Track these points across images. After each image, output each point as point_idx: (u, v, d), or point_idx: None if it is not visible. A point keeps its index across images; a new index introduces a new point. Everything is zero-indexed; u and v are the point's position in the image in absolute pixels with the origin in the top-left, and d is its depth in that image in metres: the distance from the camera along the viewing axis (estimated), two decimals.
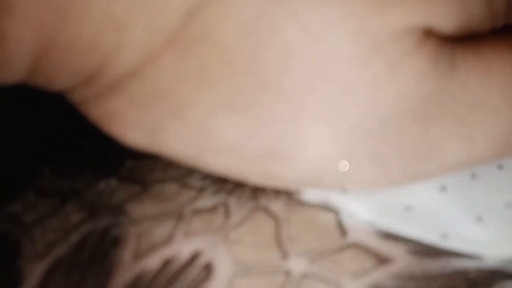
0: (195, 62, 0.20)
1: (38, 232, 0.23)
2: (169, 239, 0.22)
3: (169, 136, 0.21)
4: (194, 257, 0.22)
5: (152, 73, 0.20)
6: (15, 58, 0.19)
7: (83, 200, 0.23)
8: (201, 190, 0.23)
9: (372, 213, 0.22)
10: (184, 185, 0.23)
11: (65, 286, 0.22)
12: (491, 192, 0.23)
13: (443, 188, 0.23)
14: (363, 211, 0.22)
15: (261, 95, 0.20)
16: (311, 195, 0.23)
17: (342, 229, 0.22)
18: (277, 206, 0.23)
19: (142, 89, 0.20)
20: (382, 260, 0.22)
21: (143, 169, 0.24)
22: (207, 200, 0.23)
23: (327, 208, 0.23)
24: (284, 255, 0.22)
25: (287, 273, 0.22)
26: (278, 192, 0.23)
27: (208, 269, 0.22)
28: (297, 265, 0.22)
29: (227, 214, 0.23)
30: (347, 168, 0.21)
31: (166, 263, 0.22)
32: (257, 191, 0.23)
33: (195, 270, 0.22)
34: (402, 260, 0.22)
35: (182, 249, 0.22)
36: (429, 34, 0.20)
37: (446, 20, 0.20)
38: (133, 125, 0.21)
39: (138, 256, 0.22)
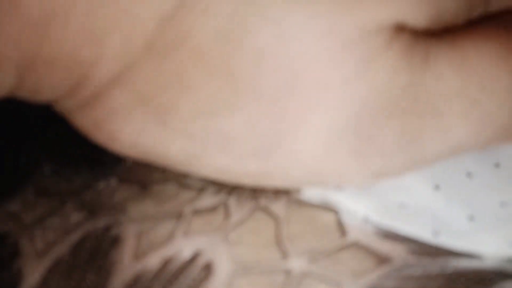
0: (173, 67, 0.20)
1: (38, 232, 0.23)
2: (169, 239, 0.22)
3: (154, 142, 0.21)
4: (194, 257, 0.22)
5: (132, 80, 0.20)
6: None
7: (83, 200, 0.23)
8: (201, 190, 0.23)
9: (366, 210, 0.22)
10: (184, 185, 0.23)
11: (65, 286, 0.22)
12: (487, 191, 0.23)
13: (437, 187, 0.23)
14: (358, 208, 0.22)
15: (238, 97, 0.20)
16: (310, 194, 0.23)
17: (342, 229, 0.22)
18: (277, 206, 0.23)
19: (124, 97, 0.21)
20: (382, 259, 0.22)
21: (143, 169, 0.24)
22: (207, 200, 0.23)
23: (326, 208, 0.23)
24: (284, 255, 0.22)
25: (287, 273, 0.22)
26: (278, 192, 0.23)
27: (208, 269, 0.22)
28: (297, 264, 0.22)
29: (227, 214, 0.23)
30: (330, 167, 0.21)
31: (166, 263, 0.22)
32: (256, 191, 0.23)
33: (195, 270, 0.22)
34: (401, 260, 0.22)
35: (182, 249, 0.22)
36: (401, 30, 0.20)
37: (417, 15, 0.20)
38: (118, 133, 0.21)
39: (138, 256, 0.22)
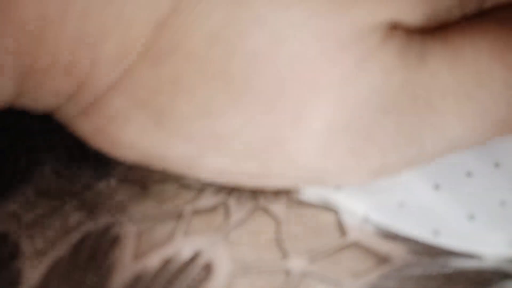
0: (169, 71, 0.20)
1: (38, 231, 0.23)
2: (169, 239, 0.22)
3: (154, 145, 0.21)
4: (194, 257, 0.22)
5: (130, 85, 0.21)
6: None
7: (83, 200, 0.23)
8: (201, 190, 0.23)
9: (366, 210, 0.22)
10: (184, 185, 0.23)
11: (65, 286, 0.22)
12: (487, 190, 0.23)
13: (436, 186, 0.23)
14: (358, 208, 0.22)
15: (235, 99, 0.20)
16: (310, 194, 0.23)
17: (341, 229, 0.22)
18: (276, 206, 0.23)
19: (123, 102, 0.21)
20: (381, 259, 0.22)
21: (143, 169, 0.24)
22: (207, 200, 0.23)
23: (326, 208, 0.23)
24: (284, 255, 0.22)
25: (287, 272, 0.22)
26: (278, 192, 0.23)
27: (208, 269, 0.22)
28: (296, 264, 0.22)
29: (227, 214, 0.23)
30: (329, 166, 0.21)
31: (166, 263, 0.22)
32: (256, 191, 0.23)
33: (195, 270, 0.22)
34: (401, 260, 0.22)
35: (182, 249, 0.22)
36: (395, 29, 0.21)
37: (411, 14, 0.21)
38: (119, 137, 0.21)
39: (138, 256, 0.22)
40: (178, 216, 0.23)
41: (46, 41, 0.19)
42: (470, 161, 0.23)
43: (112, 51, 0.20)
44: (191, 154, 0.21)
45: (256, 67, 0.20)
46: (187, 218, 0.23)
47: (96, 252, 0.22)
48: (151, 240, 0.22)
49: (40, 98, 0.21)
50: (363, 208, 0.22)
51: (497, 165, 0.23)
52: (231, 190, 0.23)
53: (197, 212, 0.23)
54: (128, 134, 0.21)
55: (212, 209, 0.23)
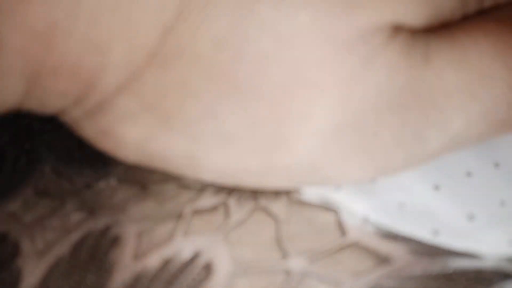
0: (175, 76, 0.20)
1: (38, 231, 0.23)
2: (169, 239, 0.22)
3: (160, 147, 0.21)
4: (194, 257, 0.22)
5: (136, 89, 0.21)
6: (7, 87, 0.20)
7: (83, 200, 0.23)
8: (201, 190, 0.23)
9: (366, 210, 0.22)
10: (184, 185, 0.23)
11: (65, 286, 0.22)
12: (486, 191, 0.23)
13: (436, 187, 0.23)
14: (358, 208, 0.22)
15: (241, 102, 0.21)
16: (310, 195, 0.23)
17: (341, 229, 0.22)
18: (276, 206, 0.23)
19: (129, 105, 0.21)
20: (381, 259, 0.22)
21: (143, 169, 0.24)
22: (207, 200, 0.23)
23: (326, 207, 0.23)
24: (284, 254, 0.22)
25: (287, 272, 0.22)
26: (277, 192, 0.23)
27: (208, 269, 0.22)
28: (296, 264, 0.22)
29: (227, 214, 0.23)
30: (332, 165, 0.21)
31: (166, 263, 0.22)
32: (256, 191, 0.23)
33: (195, 270, 0.22)
34: (401, 260, 0.22)
35: (182, 249, 0.22)
36: (399, 29, 0.21)
37: (414, 15, 0.21)
38: (125, 140, 0.22)
39: (138, 255, 0.22)
40: (178, 216, 0.23)
41: (54, 44, 0.20)
42: (470, 161, 0.23)
43: (119, 56, 0.20)
44: (194, 154, 0.21)
45: (262, 70, 0.20)
46: (187, 218, 0.23)
47: (96, 252, 0.22)
48: (151, 240, 0.22)
49: (47, 100, 0.21)
50: (363, 208, 0.23)
51: (497, 165, 0.23)
52: (231, 190, 0.23)
53: (197, 212, 0.23)
54: (135, 136, 0.21)
55: (212, 209, 0.23)
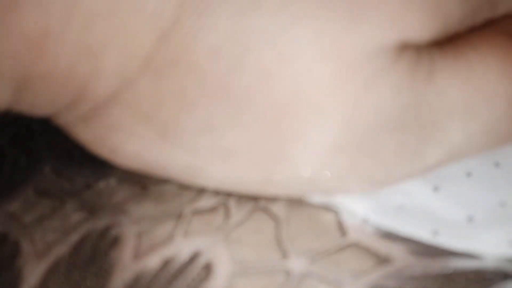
0: (171, 85, 0.20)
1: (38, 232, 0.23)
2: (169, 239, 0.22)
3: (157, 156, 0.21)
4: (194, 257, 0.22)
5: (131, 97, 0.20)
6: None
7: (83, 200, 0.23)
8: (201, 190, 0.23)
9: (366, 210, 0.22)
10: (183, 186, 0.23)
11: (65, 286, 0.22)
12: (486, 191, 0.23)
13: (436, 188, 0.23)
14: (358, 208, 0.22)
15: (239, 115, 0.20)
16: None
17: (342, 229, 0.22)
18: (277, 206, 0.23)
19: (123, 113, 0.21)
20: (382, 260, 0.22)
21: None
22: (207, 200, 0.23)
23: (326, 208, 0.23)
24: (284, 255, 0.22)
25: (287, 273, 0.22)
26: None
27: (208, 269, 0.22)
28: (297, 265, 0.22)
29: (227, 214, 0.23)
30: (332, 179, 0.21)
31: (166, 263, 0.22)
32: None
33: (195, 270, 0.22)
34: (402, 260, 0.22)
35: (182, 249, 0.22)
36: (405, 48, 0.20)
37: (422, 30, 0.20)
38: (120, 147, 0.21)
39: (138, 256, 0.22)
40: (178, 216, 0.23)
41: (46, 50, 0.19)
42: (470, 162, 0.23)
43: (112, 63, 0.20)
44: (194, 166, 0.21)
45: (260, 84, 0.20)
46: (187, 218, 0.23)
47: (96, 252, 0.22)
48: (151, 240, 0.22)
49: (38, 104, 0.21)
50: (363, 208, 0.23)
51: (497, 165, 0.23)
52: None
53: (197, 212, 0.23)
54: (131, 144, 0.21)
55: (212, 209, 0.23)
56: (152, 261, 0.22)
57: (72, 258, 0.22)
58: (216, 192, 0.23)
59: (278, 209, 0.23)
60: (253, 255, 0.22)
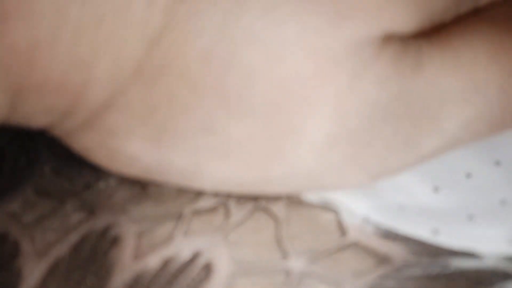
0: (163, 90, 0.20)
1: (38, 232, 0.23)
2: (169, 239, 0.22)
3: (154, 160, 0.21)
4: (194, 257, 0.22)
5: (124, 104, 0.21)
6: None
7: (83, 200, 0.23)
8: (201, 190, 0.23)
9: (366, 210, 0.22)
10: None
11: (65, 286, 0.22)
12: (486, 190, 0.23)
13: (436, 188, 0.23)
14: (358, 208, 0.22)
15: (233, 116, 0.20)
16: (310, 195, 0.23)
17: (342, 229, 0.22)
18: (277, 206, 0.23)
19: (118, 119, 0.21)
20: (382, 259, 0.22)
21: None
22: (207, 201, 0.23)
23: (326, 208, 0.23)
24: (284, 255, 0.22)
25: (287, 273, 0.22)
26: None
27: (208, 269, 0.22)
28: (297, 264, 0.22)
29: (227, 214, 0.23)
30: (329, 173, 0.21)
31: (166, 263, 0.22)
32: None
33: (195, 270, 0.22)
34: (402, 260, 0.22)
35: (182, 249, 0.22)
36: (390, 38, 0.20)
37: (405, 21, 0.20)
38: (117, 153, 0.22)
39: (138, 256, 0.22)
40: (178, 216, 0.23)
41: (37, 62, 0.19)
42: (470, 161, 0.23)
43: (104, 72, 0.20)
44: (191, 168, 0.21)
45: (250, 84, 0.20)
46: (187, 218, 0.23)
47: (96, 252, 0.22)
48: (151, 240, 0.22)
49: (33, 116, 0.21)
50: (363, 208, 0.23)
51: (497, 163, 0.23)
52: None
53: (197, 213, 0.23)
54: (128, 150, 0.21)
55: (212, 210, 0.23)
56: (152, 261, 0.22)
57: (72, 258, 0.22)
58: (216, 193, 0.23)
59: (278, 209, 0.23)
60: (253, 255, 0.22)
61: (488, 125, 0.21)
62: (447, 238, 0.22)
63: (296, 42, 0.20)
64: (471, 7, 0.22)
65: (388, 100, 0.20)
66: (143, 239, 0.22)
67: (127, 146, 0.21)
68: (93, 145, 0.22)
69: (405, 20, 0.20)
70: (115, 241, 0.22)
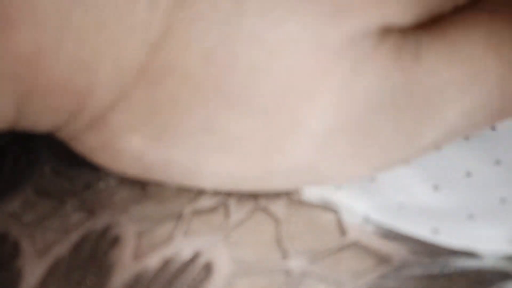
0: (166, 92, 0.21)
1: (38, 231, 0.23)
2: (169, 239, 0.22)
3: (158, 159, 0.22)
4: (194, 257, 0.22)
5: (128, 105, 0.21)
6: None
7: (83, 200, 0.23)
8: (201, 190, 0.23)
9: (366, 210, 0.22)
10: (183, 186, 0.23)
11: (65, 286, 0.22)
12: (487, 189, 0.23)
13: (436, 188, 0.23)
14: (358, 208, 0.22)
15: (235, 115, 0.21)
16: (310, 195, 0.23)
17: (342, 229, 0.22)
18: (277, 206, 0.23)
19: (121, 121, 0.21)
20: (382, 259, 0.22)
21: None
22: (207, 200, 0.23)
23: (326, 207, 0.23)
24: (284, 255, 0.22)
25: (287, 273, 0.22)
26: (278, 193, 0.23)
27: (208, 269, 0.22)
28: (297, 264, 0.22)
29: (227, 214, 0.23)
30: (330, 166, 0.21)
31: (166, 263, 0.22)
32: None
33: (195, 270, 0.22)
34: (401, 260, 0.22)
35: (182, 249, 0.22)
36: (389, 31, 0.21)
37: (404, 14, 0.21)
38: (121, 154, 0.22)
39: (138, 256, 0.22)
40: (178, 216, 0.23)
41: (42, 66, 0.20)
42: (470, 159, 0.23)
43: (107, 75, 0.20)
44: (192, 165, 0.22)
45: (253, 82, 0.20)
46: (187, 218, 0.23)
47: (96, 252, 0.22)
48: (151, 240, 0.22)
49: (40, 119, 0.21)
50: (363, 208, 0.23)
51: (497, 162, 0.23)
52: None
53: (197, 212, 0.23)
54: (131, 150, 0.22)
55: (212, 209, 0.23)
56: (152, 261, 0.22)
57: (72, 258, 0.22)
58: (216, 192, 0.23)
59: (278, 209, 0.23)
60: (253, 255, 0.22)
61: (488, 114, 0.22)
62: (447, 238, 0.22)
63: (295, 37, 0.20)
64: None
65: (388, 91, 0.21)
66: (143, 239, 0.22)
67: (130, 146, 0.21)
68: (97, 146, 0.22)
69: (403, 12, 0.21)
70: (115, 241, 0.22)
